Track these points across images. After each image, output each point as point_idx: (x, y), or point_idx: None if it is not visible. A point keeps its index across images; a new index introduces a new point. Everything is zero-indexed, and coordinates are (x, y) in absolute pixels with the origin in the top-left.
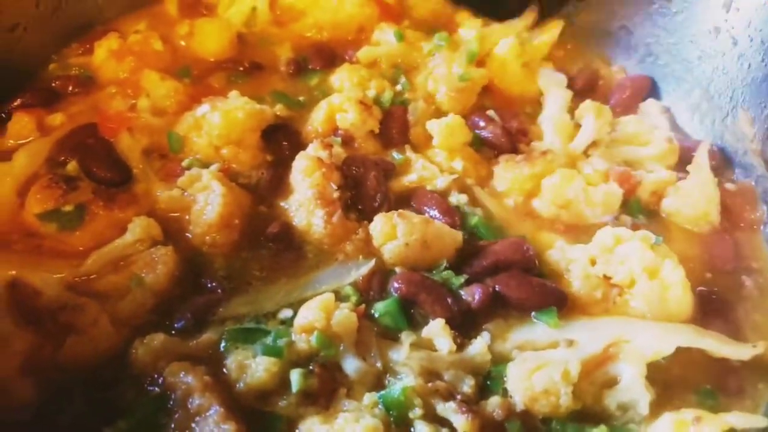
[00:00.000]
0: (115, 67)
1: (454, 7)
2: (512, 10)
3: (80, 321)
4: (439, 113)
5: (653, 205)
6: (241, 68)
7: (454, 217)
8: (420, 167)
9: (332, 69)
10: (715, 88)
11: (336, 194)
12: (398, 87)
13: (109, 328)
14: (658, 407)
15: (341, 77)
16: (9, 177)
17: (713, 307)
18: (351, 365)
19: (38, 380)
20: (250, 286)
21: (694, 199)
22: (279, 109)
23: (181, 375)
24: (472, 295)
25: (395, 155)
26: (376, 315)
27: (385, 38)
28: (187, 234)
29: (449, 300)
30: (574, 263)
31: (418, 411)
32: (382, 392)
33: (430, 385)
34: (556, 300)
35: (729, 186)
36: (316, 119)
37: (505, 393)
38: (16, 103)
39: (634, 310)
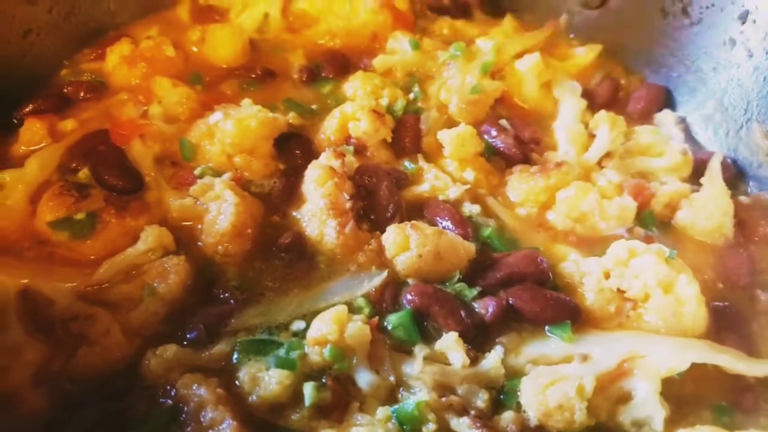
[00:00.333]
0: (127, 73)
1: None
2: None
3: (92, 331)
4: (451, 123)
5: (667, 218)
6: (254, 75)
7: (467, 228)
8: (432, 177)
9: (345, 77)
10: (730, 99)
11: (348, 204)
12: (411, 96)
13: (121, 339)
14: (672, 424)
15: (354, 85)
16: (21, 184)
17: (728, 322)
18: (364, 378)
19: (49, 390)
20: (263, 297)
21: (708, 212)
22: (292, 117)
23: (194, 387)
24: (486, 308)
25: (407, 165)
26: (389, 327)
27: (400, 47)
28: (199, 243)
29: (462, 313)
30: (588, 276)
31: (431, 426)
32: (396, 406)
33: (443, 399)
34: (570, 313)
35: (743, 199)
36: (329, 127)
37: (518, 408)
38: (27, 109)
39: (648, 324)
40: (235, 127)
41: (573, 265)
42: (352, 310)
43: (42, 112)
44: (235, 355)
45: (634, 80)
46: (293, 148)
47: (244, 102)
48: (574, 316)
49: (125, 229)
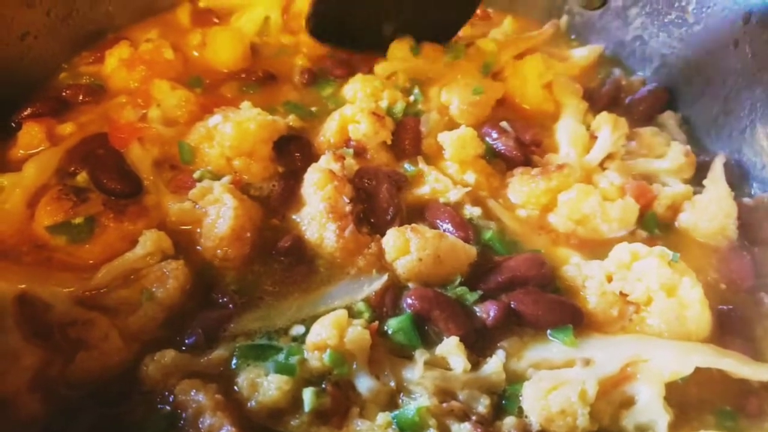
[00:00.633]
0: (125, 76)
1: None
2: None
3: (90, 336)
4: (452, 125)
5: (669, 220)
6: (254, 78)
7: (468, 231)
8: (433, 179)
9: (347, 79)
10: (733, 100)
11: (348, 207)
12: (411, 98)
13: (119, 343)
14: (676, 428)
15: (354, 88)
16: (19, 188)
17: (732, 325)
18: (364, 384)
19: (47, 396)
20: (262, 301)
21: (711, 213)
22: (291, 119)
23: (192, 393)
24: (487, 311)
25: (407, 167)
26: (389, 332)
27: (401, 52)
28: (198, 247)
29: (463, 317)
30: (590, 280)
31: None
32: (396, 412)
33: (444, 405)
34: (573, 317)
35: (746, 201)
36: (329, 130)
37: (520, 413)
38: (26, 113)
39: (651, 328)
40: (234, 130)
41: (575, 268)
42: (352, 314)
43: (40, 116)
44: (234, 361)
45: (635, 81)
46: (293, 151)
47: (243, 105)
48: (576, 320)
49: (124, 233)
